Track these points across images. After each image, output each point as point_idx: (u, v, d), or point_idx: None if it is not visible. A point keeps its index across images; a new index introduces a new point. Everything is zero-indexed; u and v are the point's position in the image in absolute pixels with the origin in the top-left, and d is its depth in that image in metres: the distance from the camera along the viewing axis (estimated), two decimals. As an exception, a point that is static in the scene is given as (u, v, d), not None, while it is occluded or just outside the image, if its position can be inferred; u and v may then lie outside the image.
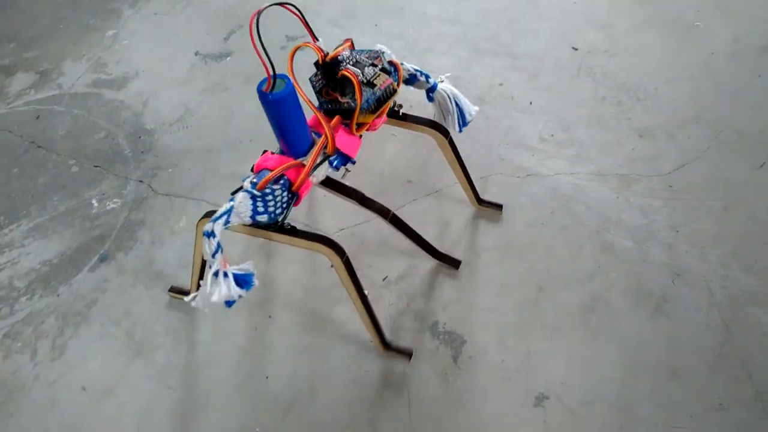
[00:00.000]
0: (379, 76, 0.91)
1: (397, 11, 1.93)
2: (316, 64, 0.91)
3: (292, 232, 0.89)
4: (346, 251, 0.93)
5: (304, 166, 0.87)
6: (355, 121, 0.91)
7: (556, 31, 1.79)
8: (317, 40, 0.89)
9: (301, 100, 0.86)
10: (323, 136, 0.89)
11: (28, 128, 1.72)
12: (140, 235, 1.42)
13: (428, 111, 1.11)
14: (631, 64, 1.66)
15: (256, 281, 0.84)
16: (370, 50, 0.94)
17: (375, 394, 1.11)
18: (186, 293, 1.26)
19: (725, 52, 1.65)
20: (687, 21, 1.76)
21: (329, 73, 0.90)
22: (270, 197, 0.84)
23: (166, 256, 1.37)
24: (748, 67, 1.60)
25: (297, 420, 1.10)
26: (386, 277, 1.28)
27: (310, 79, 0.93)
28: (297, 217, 1.39)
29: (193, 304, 0.80)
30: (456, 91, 1.05)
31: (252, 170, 0.89)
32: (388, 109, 0.98)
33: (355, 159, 0.94)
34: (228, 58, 1.83)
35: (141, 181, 1.54)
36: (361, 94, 0.88)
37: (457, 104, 1.05)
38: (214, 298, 0.78)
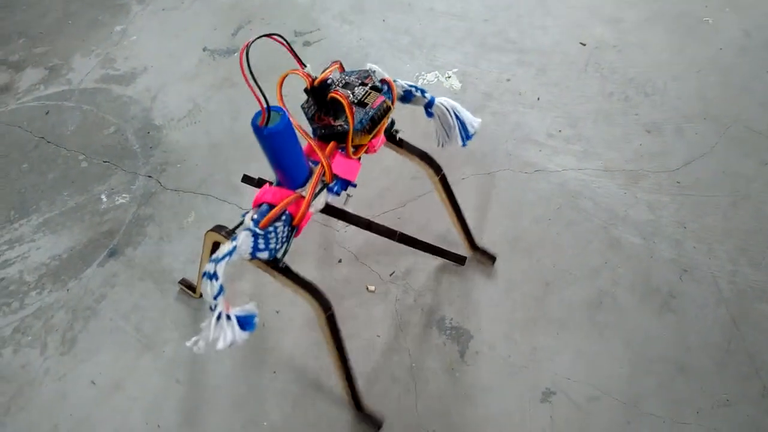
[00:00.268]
0: (369, 94, 0.88)
1: (404, 6, 1.93)
2: (306, 90, 0.88)
3: (285, 272, 0.87)
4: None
5: (303, 197, 0.84)
6: (350, 144, 0.88)
7: (564, 27, 1.78)
8: (304, 66, 0.86)
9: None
10: (320, 165, 0.86)
11: (38, 124, 1.73)
12: (149, 230, 1.43)
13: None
14: (639, 59, 1.65)
15: (257, 321, 0.80)
16: (360, 70, 0.92)
17: (383, 388, 1.12)
18: (194, 289, 1.27)
19: (734, 48, 1.64)
20: (695, 16, 1.75)
21: (319, 98, 0.87)
22: (272, 234, 0.82)
23: (174, 251, 1.38)
24: (757, 63, 1.59)
25: (304, 414, 1.11)
26: (393, 272, 1.28)
27: (301, 106, 0.90)
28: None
29: (195, 349, 0.76)
30: (455, 103, 1.00)
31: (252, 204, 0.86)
32: (385, 130, 0.94)
33: (355, 182, 0.91)
34: (236, 54, 1.84)
35: (150, 177, 1.54)
36: (352, 115, 0.85)
37: (457, 117, 1.00)
38: (220, 346, 0.75)
